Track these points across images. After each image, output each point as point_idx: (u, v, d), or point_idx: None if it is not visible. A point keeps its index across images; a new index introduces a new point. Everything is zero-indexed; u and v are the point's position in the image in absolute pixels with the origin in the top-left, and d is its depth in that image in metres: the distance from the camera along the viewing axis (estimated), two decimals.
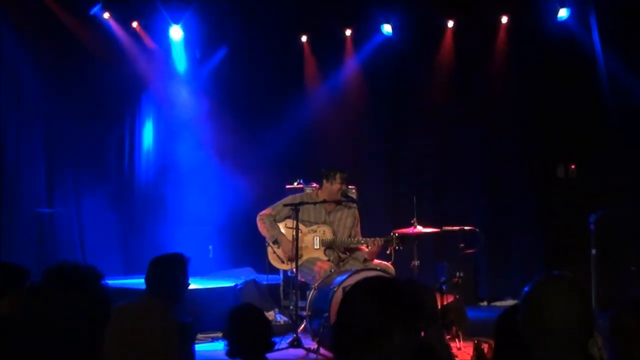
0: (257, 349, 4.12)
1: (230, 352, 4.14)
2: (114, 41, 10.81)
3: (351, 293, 2.47)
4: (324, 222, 8.17)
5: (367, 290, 2.45)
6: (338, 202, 8.20)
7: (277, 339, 7.22)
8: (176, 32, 10.79)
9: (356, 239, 8.16)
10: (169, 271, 4.50)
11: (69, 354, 2.32)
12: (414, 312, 2.43)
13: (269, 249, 8.17)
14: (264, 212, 8.22)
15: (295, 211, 7.69)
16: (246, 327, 4.13)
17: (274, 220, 8.11)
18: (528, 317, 2.50)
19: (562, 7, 10.10)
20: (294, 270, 7.70)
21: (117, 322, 3.84)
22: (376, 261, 8.05)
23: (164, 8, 10.62)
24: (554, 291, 2.49)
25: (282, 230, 8.08)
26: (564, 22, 10.30)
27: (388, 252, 7.78)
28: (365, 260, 8.05)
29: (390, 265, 7.87)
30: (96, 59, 10.66)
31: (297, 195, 8.37)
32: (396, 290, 2.45)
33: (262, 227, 8.11)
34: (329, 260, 8.02)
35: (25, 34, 10.32)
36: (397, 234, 7.77)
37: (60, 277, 2.42)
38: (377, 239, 7.91)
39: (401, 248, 7.75)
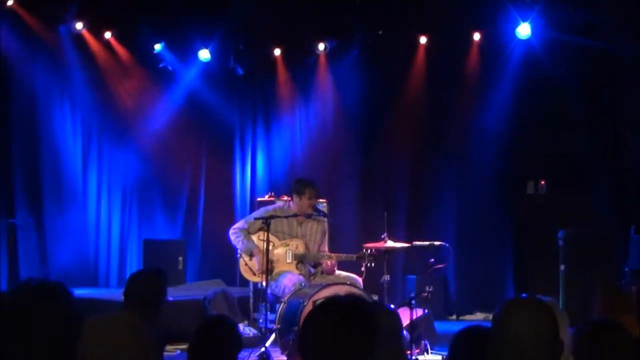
0: None
1: None
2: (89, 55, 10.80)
3: (324, 319, 2.44)
4: (296, 236, 8.14)
5: (339, 316, 2.42)
6: (309, 215, 8.20)
7: (246, 352, 7.30)
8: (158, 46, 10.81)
9: (327, 254, 8.15)
10: (149, 286, 4.44)
11: None
12: (375, 331, 2.44)
13: (241, 261, 8.14)
14: (236, 225, 8.20)
15: (266, 225, 7.65)
16: (213, 340, 4.00)
17: (248, 233, 8.07)
18: (496, 338, 2.56)
19: (524, 21, 10.17)
20: (267, 280, 7.65)
21: (93, 336, 3.70)
22: (344, 274, 8.07)
23: (147, 22, 10.61)
24: (521, 314, 2.54)
25: (256, 242, 8.03)
26: (531, 38, 10.37)
27: (362, 269, 7.79)
28: (322, 273, 8.05)
29: (358, 277, 7.88)
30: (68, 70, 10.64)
31: (270, 208, 8.34)
32: (363, 314, 2.45)
33: (236, 241, 8.08)
34: (300, 274, 7.99)
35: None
36: (369, 251, 7.77)
37: (31, 295, 2.36)
38: (349, 255, 7.93)
39: (373, 265, 7.76)
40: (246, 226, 8.12)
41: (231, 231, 8.16)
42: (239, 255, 8.19)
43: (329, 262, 7.97)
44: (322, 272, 8.08)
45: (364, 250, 7.80)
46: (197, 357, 3.98)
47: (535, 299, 2.63)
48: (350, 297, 2.54)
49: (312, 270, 8.22)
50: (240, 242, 8.04)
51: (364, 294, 6.99)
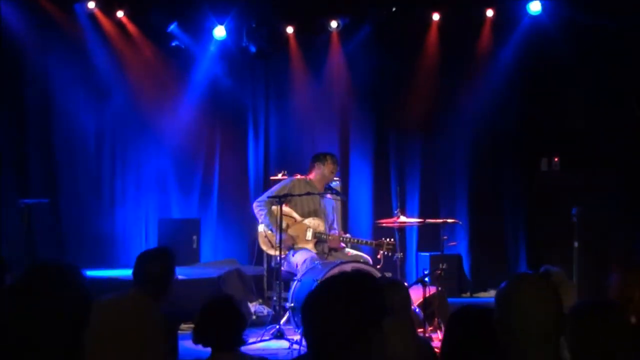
0: (224, 343, 4.08)
1: (195, 339, 4.11)
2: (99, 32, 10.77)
3: (334, 296, 2.42)
4: (318, 213, 8.24)
5: (350, 292, 2.42)
6: (329, 188, 8.31)
7: (260, 330, 7.35)
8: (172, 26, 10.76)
9: (363, 240, 8.32)
10: (157, 264, 4.46)
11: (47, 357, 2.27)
12: (381, 307, 2.45)
13: (261, 232, 8.22)
14: (261, 198, 8.32)
15: (279, 204, 7.72)
16: (218, 320, 4.08)
17: (272, 206, 8.14)
18: (500, 315, 2.58)
19: None
20: (280, 258, 7.71)
21: (104, 315, 3.87)
22: (353, 252, 8.24)
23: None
24: (524, 290, 2.56)
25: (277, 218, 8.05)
26: (542, 15, 10.39)
27: (378, 256, 7.89)
28: (331, 249, 8.16)
29: (367, 256, 8.08)
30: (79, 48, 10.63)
31: (290, 182, 8.36)
32: (373, 290, 2.46)
33: (260, 214, 8.17)
34: (317, 252, 8.07)
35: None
36: (388, 239, 7.88)
37: (40, 278, 2.33)
38: (369, 241, 8.19)
39: (390, 254, 7.87)
40: (272, 195, 8.18)
41: (255, 204, 8.29)
42: (259, 226, 8.27)
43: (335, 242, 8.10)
44: (343, 251, 8.22)
45: (383, 239, 7.91)
46: (201, 336, 4.07)
47: (540, 275, 2.72)
48: (355, 274, 2.54)
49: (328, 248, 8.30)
50: (263, 216, 8.13)
51: (372, 270, 7.04)
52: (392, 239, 7.94)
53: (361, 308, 2.35)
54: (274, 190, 8.31)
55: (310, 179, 8.29)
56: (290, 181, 8.31)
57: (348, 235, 8.43)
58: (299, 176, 8.54)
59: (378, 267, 7.77)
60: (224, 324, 4.05)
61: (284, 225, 7.86)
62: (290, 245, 7.99)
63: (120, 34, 10.87)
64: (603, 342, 2.85)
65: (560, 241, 9.42)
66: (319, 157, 8.28)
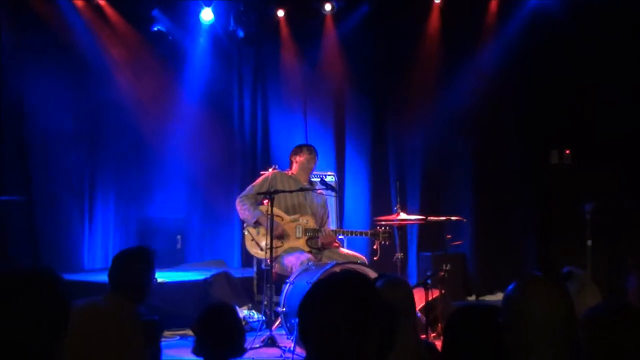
0: (225, 354, 3.98)
1: (196, 350, 4.03)
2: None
3: (326, 300, 2.33)
4: (306, 209, 7.99)
5: (341, 296, 2.33)
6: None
7: (249, 337, 6.89)
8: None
9: (357, 231, 8.10)
10: (134, 266, 4.35)
11: None
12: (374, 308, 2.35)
13: (247, 235, 7.94)
14: (244, 193, 8.04)
15: (270, 200, 7.38)
16: (220, 329, 4.00)
17: (255, 201, 7.89)
18: (507, 319, 2.57)
19: None
20: (269, 260, 7.36)
21: (78, 323, 3.51)
22: (345, 251, 7.98)
23: None
24: (532, 294, 2.54)
25: (262, 211, 7.78)
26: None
27: (375, 247, 7.71)
28: (324, 246, 7.91)
29: (362, 256, 7.84)
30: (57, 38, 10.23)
31: (271, 175, 8.05)
32: (373, 292, 2.39)
33: (242, 209, 7.88)
34: (310, 251, 7.80)
35: None
36: (383, 228, 7.67)
37: (14, 282, 2.19)
38: (363, 231, 7.94)
39: (388, 243, 7.69)
40: (253, 191, 7.94)
41: (238, 200, 8.00)
42: (244, 230, 8.00)
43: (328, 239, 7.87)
44: (335, 250, 7.95)
45: (379, 227, 7.70)
46: (203, 347, 4.01)
47: (549, 277, 2.63)
48: (345, 275, 2.45)
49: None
50: (247, 211, 7.85)
51: (368, 271, 6.75)
52: (388, 227, 7.72)
53: (363, 311, 2.30)
54: (255, 185, 8.05)
55: (292, 174, 8.10)
56: (271, 174, 8.08)
57: (341, 229, 8.33)
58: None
59: (375, 258, 7.61)
60: (227, 333, 4.02)
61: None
62: (280, 233, 7.71)
63: (100, 21, 10.50)
64: (616, 347, 2.74)
65: (572, 239, 9.35)
66: (294, 150, 8.17)
